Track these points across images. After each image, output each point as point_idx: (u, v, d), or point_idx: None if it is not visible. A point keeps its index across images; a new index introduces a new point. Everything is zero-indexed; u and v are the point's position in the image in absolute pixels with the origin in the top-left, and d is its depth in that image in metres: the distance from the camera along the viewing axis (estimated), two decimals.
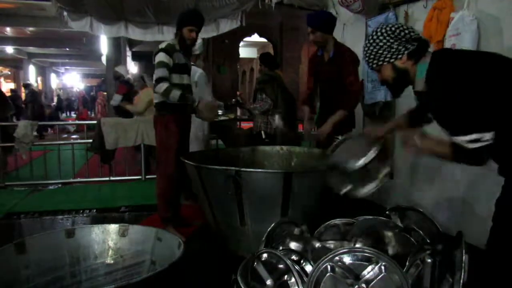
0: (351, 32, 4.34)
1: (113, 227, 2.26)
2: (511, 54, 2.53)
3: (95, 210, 4.24)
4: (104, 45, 13.61)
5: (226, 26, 5.49)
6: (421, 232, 1.98)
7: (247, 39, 13.02)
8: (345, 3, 3.89)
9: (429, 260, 1.57)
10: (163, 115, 3.25)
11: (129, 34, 5.67)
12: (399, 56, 1.67)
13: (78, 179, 5.56)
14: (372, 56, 1.73)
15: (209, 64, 11.03)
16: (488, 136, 1.46)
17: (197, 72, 4.16)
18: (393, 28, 1.68)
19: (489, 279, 1.54)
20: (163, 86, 3.05)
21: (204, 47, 4.78)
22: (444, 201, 2.96)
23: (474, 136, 1.46)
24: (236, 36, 11.00)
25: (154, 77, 3.12)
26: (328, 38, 3.30)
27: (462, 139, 1.48)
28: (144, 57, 17.44)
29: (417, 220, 2.03)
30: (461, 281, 1.46)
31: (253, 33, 11.96)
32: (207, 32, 5.42)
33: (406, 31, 1.67)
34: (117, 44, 12.62)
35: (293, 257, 1.81)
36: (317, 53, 3.50)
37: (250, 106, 4.68)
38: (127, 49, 14.05)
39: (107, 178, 5.55)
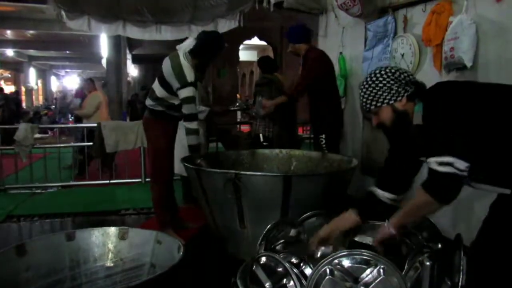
0: (351, 36, 4.36)
1: (113, 230, 2.27)
2: (510, 57, 2.58)
3: (95, 213, 4.24)
4: (104, 48, 13.63)
5: (225, 26, 5.49)
6: (420, 235, 1.99)
7: (247, 42, 13.00)
8: (344, 7, 3.91)
9: (428, 263, 1.58)
10: (158, 121, 3.25)
11: (127, 33, 5.68)
12: (399, 98, 1.64)
13: (78, 182, 5.56)
14: (370, 98, 1.68)
15: (209, 67, 11.04)
16: (461, 164, 1.43)
17: None
18: (392, 70, 1.66)
19: (469, 278, 1.53)
20: (195, 125, 3.11)
21: None
22: None
23: (446, 159, 1.44)
24: (236, 39, 10.99)
25: (186, 110, 3.06)
26: (299, 47, 3.71)
27: (435, 160, 1.47)
28: (144, 60, 17.47)
29: (417, 221, 2.03)
30: (460, 284, 1.47)
31: (253, 36, 11.94)
32: None
33: (405, 74, 1.66)
34: (117, 47, 12.63)
35: (293, 260, 1.82)
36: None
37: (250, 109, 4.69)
38: (127, 51, 14.07)
39: (107, 181, 5.56)
